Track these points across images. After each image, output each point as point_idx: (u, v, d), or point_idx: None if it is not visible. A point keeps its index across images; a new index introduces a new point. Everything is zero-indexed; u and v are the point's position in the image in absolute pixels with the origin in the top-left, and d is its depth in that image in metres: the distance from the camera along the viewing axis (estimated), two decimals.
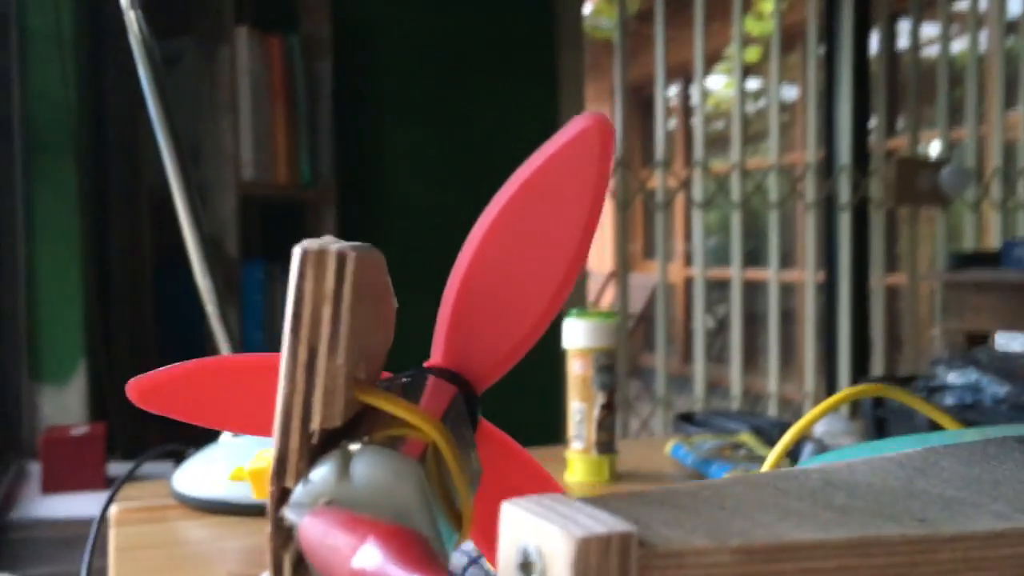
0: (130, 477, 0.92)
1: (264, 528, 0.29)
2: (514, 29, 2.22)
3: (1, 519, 1.25)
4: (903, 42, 2.88)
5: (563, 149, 0.32)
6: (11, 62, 1.47)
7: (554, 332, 0.89)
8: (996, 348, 1.14)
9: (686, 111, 5.21)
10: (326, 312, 0.28)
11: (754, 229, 3.13)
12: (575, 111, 2.29)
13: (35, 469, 1.40)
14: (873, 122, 2.65)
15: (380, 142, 2.11)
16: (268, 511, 0.28)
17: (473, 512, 0.31)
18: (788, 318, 2.94)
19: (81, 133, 1.58)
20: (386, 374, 0.35)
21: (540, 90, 2.26)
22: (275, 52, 1.86)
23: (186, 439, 0.88)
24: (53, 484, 1.34)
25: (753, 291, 2.91)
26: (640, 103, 4.62)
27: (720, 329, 3.92)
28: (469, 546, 0.40)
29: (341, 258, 0.28)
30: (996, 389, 0.92)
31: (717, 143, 3.86)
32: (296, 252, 0.28)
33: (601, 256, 4.75)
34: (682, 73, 4.72)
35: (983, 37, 2.79)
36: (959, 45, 3.07)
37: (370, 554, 0.23)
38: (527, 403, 1.84)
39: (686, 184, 2.47)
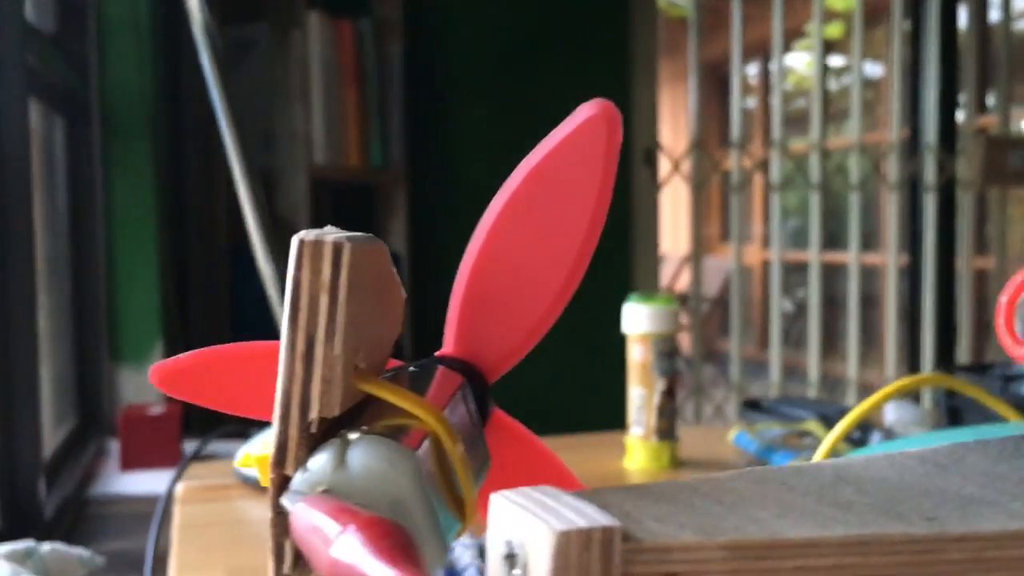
0: (197, 456, 0.94)
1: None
2: (586, 8, 2.20)
3: (81, 495, 1.30)
4: (994, 15, 2.76)
5: (570, 137, 0.32)
6: (90, 51, 1.51)
7: (614, 317, 0.88)
8: None
9: (766, 89, 5.09)
10: (323, 302, 0.28)
11: (835, 211, 3.05)
12: (649, 91, 2.26)
13: (114, 447, 1.45)
14: (961, 99, 2.55)
15: (450, 125, 2.11)
16: (269, 497, 0.29)
17: (477, 502, 0.31)
18: (869, 302, 2.85)
19: (158, 119, 1.62)
20: (396, 363, 0.35)
21: (612, 70, 2.24)
22: (346, 36, 1.88)
23: (252, 420, 0.89)
24: (131, 461, 1.38)
25: (834, 274, 2.83)
26: (718, 82, 4.53)
27: (799, 313, 3.84)
28: (474, 541, 0.40)
29: (337, 248, 0.28)
30: None
31: (799, 122, 3.77)
32: (293, 242, 0.28)
33: (676, 239, 4.69)
34: (761, 50, 4.62)
35: None
36: None
37: (348, 544, 0.23)
38: (589, 389, 1.83)
39: (763, 165, 2.42)
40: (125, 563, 1.01)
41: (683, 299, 4.18)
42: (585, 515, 0.22)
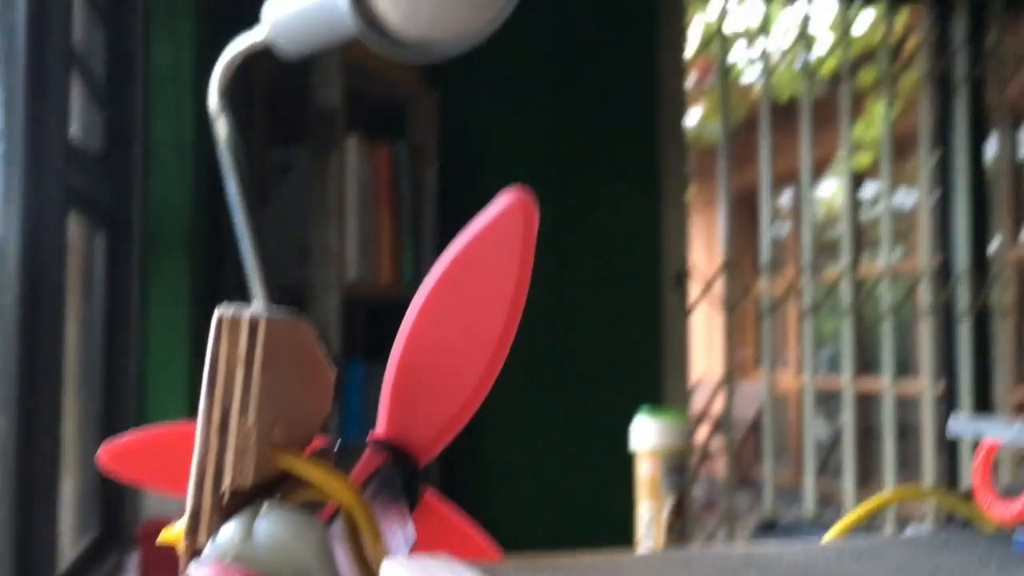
0: None
1: None
2: (617, 133, 2.26)
3: None
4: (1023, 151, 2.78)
5: (488, 227, 0.33)
6: (134, 169, 1.57)
7: (623, 432, 0.87)
8: None
9: (798, 217, 5.13)
10: (239, 374, 0.29)
11: (870, 338, 3.02)
12: (679, 217, 2.29)
13: (133, 561, 1.43)
14: (995, 229, 2.55)
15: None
16: (181, 567, 0.29)
17: None
18: (906, 431, 2.80)
19: (196, 235, 1.67)
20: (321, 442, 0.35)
21: (643, 195, 2.27)
22: (383, 159, 1.94)
23: None
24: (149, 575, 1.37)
25: (869, 402, 2.79)
26: (751, 208, 4.58)
27: (835, 441, 3.76)
28: None
29: (254, 323, 0.29)
30: None
31: (832, 249, 3.78)
32: (213, 319, 0.29)
33: (710, 363, 4.66)
34: (794, 178, 4.68)
35: None
36: None
37: None
38: (599, 505, 1.79)
39: (794, 290, 2.42)
40: None
41: (718, 424, 4.12)
42: None
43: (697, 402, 2.66)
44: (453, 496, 0.45)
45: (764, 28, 2.39)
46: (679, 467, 0.80)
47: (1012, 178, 2.59)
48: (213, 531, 0.29)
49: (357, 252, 1.87)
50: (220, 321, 0.30)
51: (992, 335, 2.49)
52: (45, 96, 1.06)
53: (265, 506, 0.29)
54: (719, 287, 2.32)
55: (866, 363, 2.62)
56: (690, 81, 2.72)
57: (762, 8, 2.42)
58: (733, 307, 2.34)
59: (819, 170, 2.47)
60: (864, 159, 3.88)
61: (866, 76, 2.73)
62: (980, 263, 2.49)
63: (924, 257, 2.52)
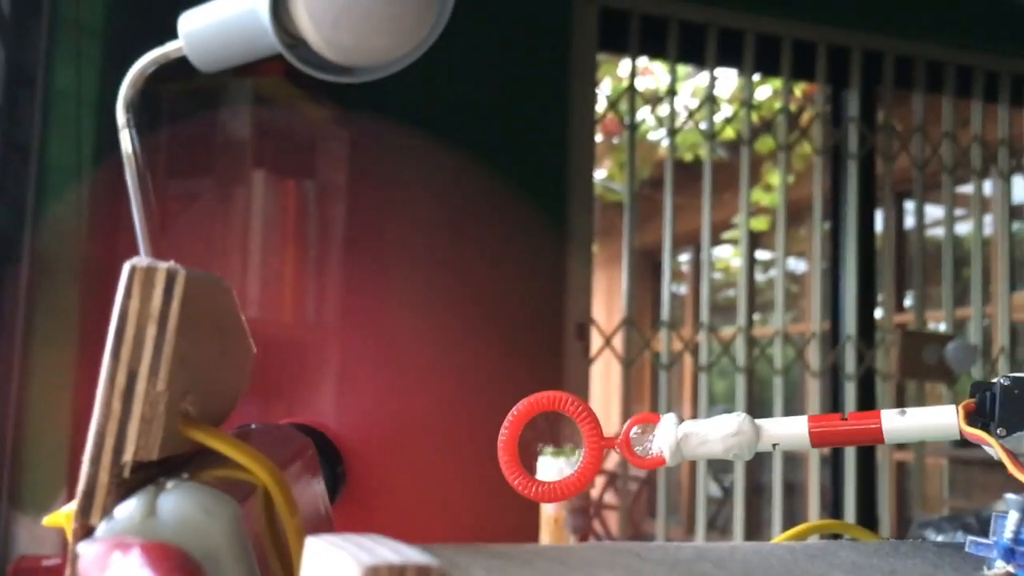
0: None
1: None
2: (525, 187, 2.29)
3: None
4: (909, 221, 2.93)
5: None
6: (26, 192, 1.51)
7: (530, 470, 0.87)
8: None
9: (696, 276, 5.27)
10: (150, 332, 0.26)
11: (761, 399, 3.10)
12: (584, 270, 2.32)
13: None
14: (880, 297, 2.67)
15: (389, 287, 2.13)
16: (68, 550, 0.26)
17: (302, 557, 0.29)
18: (793, 489, 2.87)
19: (90, 260, 1.61)
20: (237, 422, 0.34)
21: (549, 248, 2.30)
22: (290, 195, 1.91)
23: None
24: None
25: (759, 460, 2.85)
26: (652, 266, 4.68)
27: (726, 498, 3.83)
28: None
29: (171, 276, 0.27)
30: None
31: (728, 309, 3.88)
32: (125, 269, 0.27)
33: (607, 419, 4.70)
34: (693, 240, 4.81)
35: (988, 220, 2.84)
36: (965, 227, 3.12)
37: (126, 566, 0.21)
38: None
39: (691, 347, 2.47)
40: None
41: (612, 478, 4.14)
42: (402, 555, 0.21)
43: None
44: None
45: (671, 90, 2.48)
46: (582, 509, 0.81)
47: (897, 249, 2.72)
48: (108, 510, 0.26)
49: (259, 288, 1.84)
50: (133, 271, 0.27)
51: (876, 396, 2.59)
52: None
53: (170, 483, 0.26)
54: (619, 341, 2.36)
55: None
56: (598, 138, 2.79)
57: (667, 76, 2.51)
58: (632, 362, 2.38)
59: (718, 231, 2.55)
60: (761, 223, 4.02)
61: (765, 144, 2.84)
62: (866, 329, 2.60)
63: (815, 320, 2.61)
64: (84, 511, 0.26)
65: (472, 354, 2.16)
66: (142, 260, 0.27)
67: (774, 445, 0.47)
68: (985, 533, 0.97)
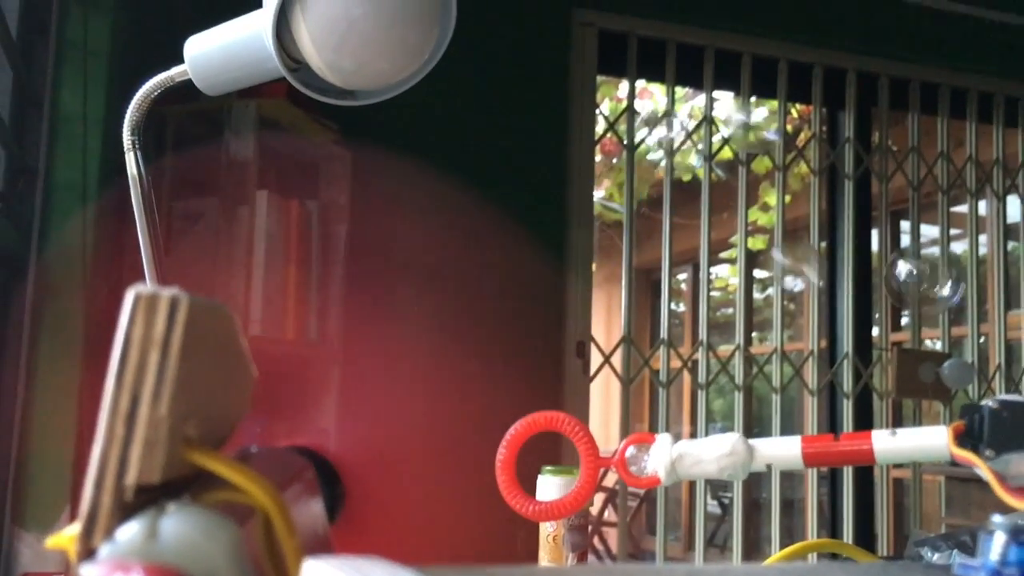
0: None
1: None
2: (526, 208, 2.31)
3: None
4: (905, 241, 2.95)
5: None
6: (33, 212, 1.53)
7: (528, 490, 0.88)
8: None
9: (695, 295, 5.29)
10: (153, 358, 0.27)
11: (760, 416, 3.11)
12: (584, 288, 2.34)
13: None
14: (876, 316, 2.68)
15: (391, 306, 2.15)
16: (71, 572, 0.27)
17: None
18: (792, 506, 2.87)
19: (94, 280, 1.62)
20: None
21: (550, 267, 2.32)
22: (293, 215, 1.93)
23: None
24: None
25: (757, 477, 2.86)
26: (651, 284, 4.70)
27: (726, 514, 3.82)
28: None
29: (173, 303, 0.27)
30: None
31: (726, 327, 3.90)
32: (128, 296, 0.27)
33: (607, 438, 4.71)
34: (692, 258, 4.83)
35: (983, 239, 2.86)
36: (960, 246, 3.14)
37: None
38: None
39: (689, 365, 2.48)
40: None
41: (612, 495, 4.14)
42: None
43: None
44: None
45: (669, 111, 2.50)
46: (580, 526, 0.82)
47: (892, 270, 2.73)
48: (110, 533, 0.26)
49: (261, 308, 1.85)
50: (136, 298, 0.27)
51: (873, 414, 2.60)
52: None
53: (171, 506, 0.27)
54: (618, 359, 2.37)
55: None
56: (597, 158, 2.81)
57: (665, 97, 2.53)
58: (631, 379, 2.39)
59: (716, 250, 2.57)
60: (758, 242, 4.04)
61: (762, 164, 2.87)
62: (863, 347, 2.62)
63: (812, 339, 2.63)
64: (87, 533, 0.27)
65: (472, 373, 2.18)
66: (145, 287, 0.28)
67: (768, 466, 0.49)
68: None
